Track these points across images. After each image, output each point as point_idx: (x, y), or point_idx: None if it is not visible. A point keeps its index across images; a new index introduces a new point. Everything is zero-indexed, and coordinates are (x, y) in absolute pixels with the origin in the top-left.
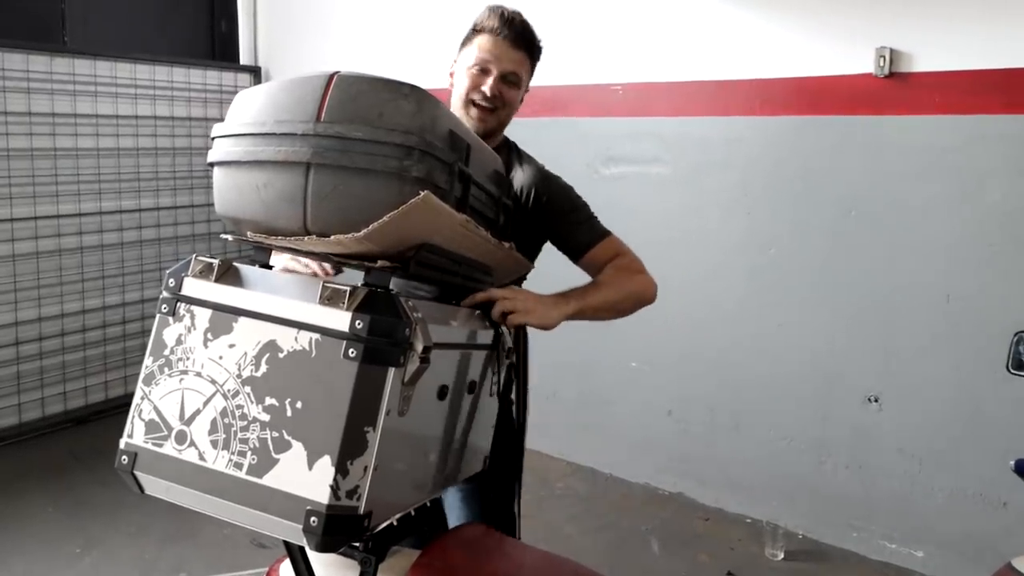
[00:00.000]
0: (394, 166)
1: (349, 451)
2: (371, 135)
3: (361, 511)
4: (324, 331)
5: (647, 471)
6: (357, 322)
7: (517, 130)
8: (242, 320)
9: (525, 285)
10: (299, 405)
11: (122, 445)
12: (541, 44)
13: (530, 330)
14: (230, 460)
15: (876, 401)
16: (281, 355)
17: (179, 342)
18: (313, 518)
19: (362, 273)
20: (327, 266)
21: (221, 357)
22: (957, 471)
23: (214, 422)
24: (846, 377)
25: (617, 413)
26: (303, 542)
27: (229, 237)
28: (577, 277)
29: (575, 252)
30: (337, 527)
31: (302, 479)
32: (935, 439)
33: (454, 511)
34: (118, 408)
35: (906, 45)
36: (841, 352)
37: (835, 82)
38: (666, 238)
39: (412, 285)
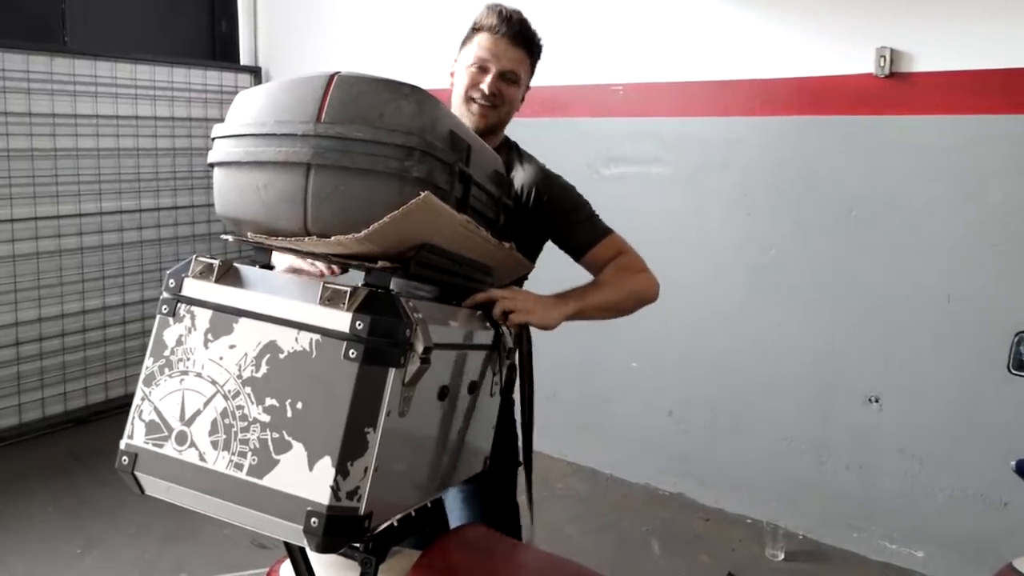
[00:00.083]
0: (395, 167)
1: (349, 452)
2: (372, 136)
3: (361, 512)
4: (324, 332)
5: (648, 471)
6: (357, 323)
7: (517, 130)
8: (242, 321)
9: (526, 285)
10: (299, 406)
11: (122, 446)
12: (541, 42)
13: (533, 330)
14: (230, 461)
15: (877, 401)
16: (281, 356)
17: (179, 343)
18: (313, 519)
19: (363, 273)
20: (334, 265)
21: (221, 358)
22: (958, 471)
23: (214, 423)
24: (847, 377)
25: (618, 413)
26: (303, 543)
27: (229, 238)
28: (578, 276)
29: (576, 251)
30: (337, 528)
31: (302, 480)
32: (936, 439)
33: (455, 512)
34: (118, 408)
35: (906, 45)
36: (842, 352)
37: (836, 82)
38: (666, 239)
39: (413, 285)
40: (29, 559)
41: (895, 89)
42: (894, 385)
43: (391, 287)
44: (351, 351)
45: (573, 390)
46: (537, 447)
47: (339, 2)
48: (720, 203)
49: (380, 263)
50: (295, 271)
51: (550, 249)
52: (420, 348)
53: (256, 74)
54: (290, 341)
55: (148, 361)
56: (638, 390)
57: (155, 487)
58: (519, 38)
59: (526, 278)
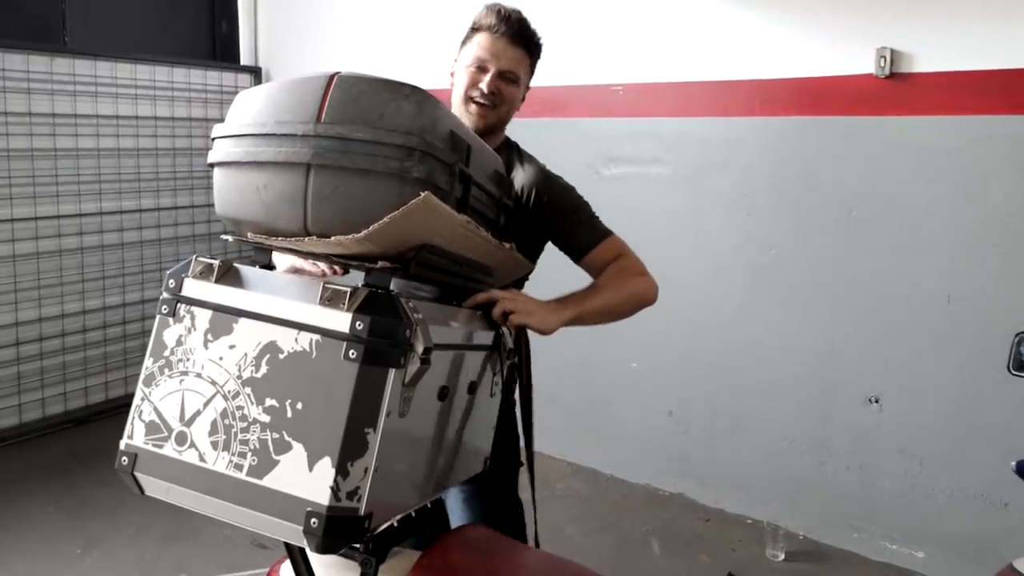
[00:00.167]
0: (395, 167)
1: (349, 452)
2: (372, 136)
3: (362, 512)
4: (324, 332)
5: (648, 472)
6: (357, 323)
7: (517, 130)
8: (242, 321)
9: (526, 288)
10: (299, 406)
11: (122, 446)
12: (540, 42)
13: (530, 333)
14: (230, 461)
15: (877, 402)
16: (281, 356)
17: (179, 343)
18: (313, 519)
19: (363, 274)
20: (336, 265)
21: (221, 358)
22: (958, 472)
23: (214, 423)
24: (847, 377)
25: (618, 414)
26: (303, 543)
27: (229, 238)
28: (578, 276)
29: (576, 253)
30: (337, 528)
31: (302, 480)
32: (936, 440)
33: (455, 512)
34: (118, 408)
35: (907, 45)
36: (842, 352)
37: (836, 83)
38: (666, 239)
39: (413, 286)
40: (29, 559)
41: (895, 89)
42: (894, 385)
43: (391, 287)
44: (351, 351)
45: (573, 391)
46: (537, 447)
47: (339, 2)
48: (720, 203)
49: (380, 263)
50: (297, 271)
51: (550, 250)
52: (420, 348)
53: (256, 74)
54: (290, 341)
55: (148, 361)
56: (638, 390)
57: (155, 487)
58: (518, 38)
59: (526, 278)
